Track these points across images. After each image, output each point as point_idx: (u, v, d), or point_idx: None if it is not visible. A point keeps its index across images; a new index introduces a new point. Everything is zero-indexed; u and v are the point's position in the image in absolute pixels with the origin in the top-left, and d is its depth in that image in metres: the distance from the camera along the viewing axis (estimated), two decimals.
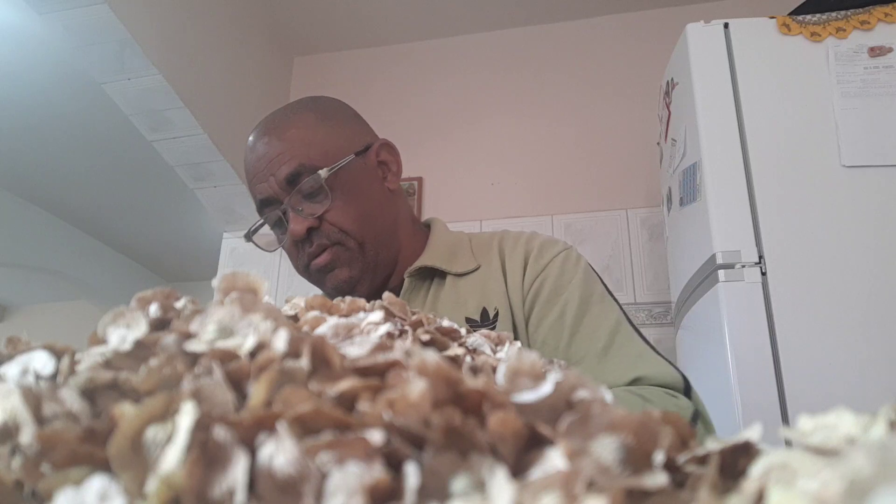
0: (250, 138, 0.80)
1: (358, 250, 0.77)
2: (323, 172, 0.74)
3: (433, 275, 0.80)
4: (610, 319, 0.71)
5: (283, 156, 0.75)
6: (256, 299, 0.23)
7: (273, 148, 0.76)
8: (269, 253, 0.85)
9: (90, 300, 4.01)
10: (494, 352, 0.32)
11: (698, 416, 0.63)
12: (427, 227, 0.89)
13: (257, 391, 0.18)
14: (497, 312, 0.74)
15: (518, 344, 0.34)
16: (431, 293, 0.79)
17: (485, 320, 0.74)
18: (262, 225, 0.81)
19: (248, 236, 0.82)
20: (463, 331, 0.33)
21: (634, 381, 0.65)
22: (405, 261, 0.82)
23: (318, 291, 0.87)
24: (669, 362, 0.69)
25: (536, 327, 0.73)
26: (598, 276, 0.79)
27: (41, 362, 0.22)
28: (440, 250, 0.81)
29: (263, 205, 0.78)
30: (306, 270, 0.79)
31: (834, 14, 1.43)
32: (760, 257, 1.28)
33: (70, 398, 0.19)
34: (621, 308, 0.75)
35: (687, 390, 0.66)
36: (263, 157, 0.76)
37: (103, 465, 0.16)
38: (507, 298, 0.75)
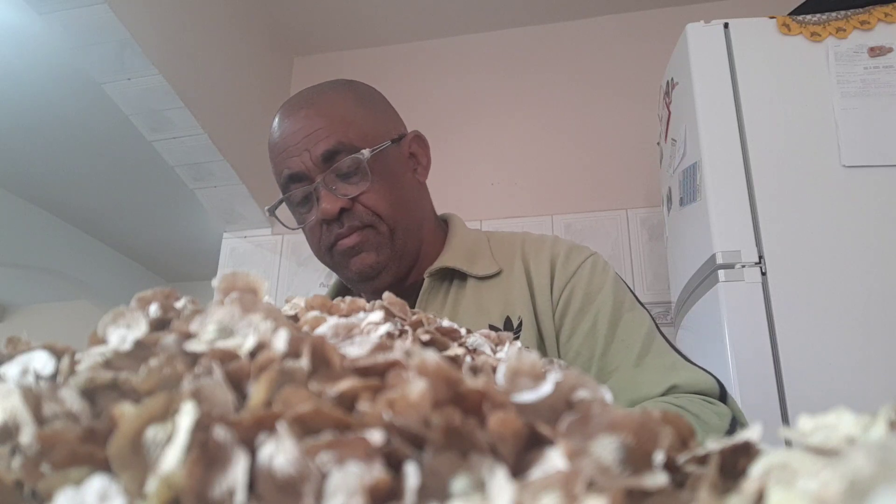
0: (279, 114, 0.77)
1: (388, 236, 0.75)
2: (366, 153, 0.72)
3: (453, 276, 0.78)
4: (643, 328, 0.70)
5: (321, 131, 0.73)
6: (256, 299, 0.23)
7: (311, 122, 0.73)
8: (288, 229, 0.82)
9: (90, 300, 4.01)
10: (494, 352, 0.32)
11: (737, 422, 0.62)
12: (444, 222, 0.87)
13: (257, 391, 0.18)
14: (521, 322, 0.73)
15: (518, 344, 0.34)
16: (452, 295, 0.77)
17: (508, 329, 0.73)
18: (284, 202, 0.79)
19: (272, 210, 0.79)
20: (463, 331, 0.33)
21: (670, 390, 0.64)
22: (425, 257, 0.80)
23: (321, 290, 0.87)
24: (703, 369, 0.68)
25: (569, 338, 0.71)
26: (624, 282, 0.77)
27: (41, 362, 0.22)
28: (460, 250, 0.79)
29: (292, 180, 0.75)
30: (329, 251, 0.76)
31: (834, 14, 1.43)
32: (760, 257, 1.28)
33: (70, 398, 0.19)
34: (651, 316, 0.74)
35: (723, 396, 0.65)
36: (299, 131, 0.74)
37: (103, 465, 0.16)
38: (532, 307, 0.74)
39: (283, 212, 0.80)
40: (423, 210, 0.81)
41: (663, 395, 0.64)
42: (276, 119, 0.77)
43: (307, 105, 0.75)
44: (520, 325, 0.73)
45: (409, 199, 0.78)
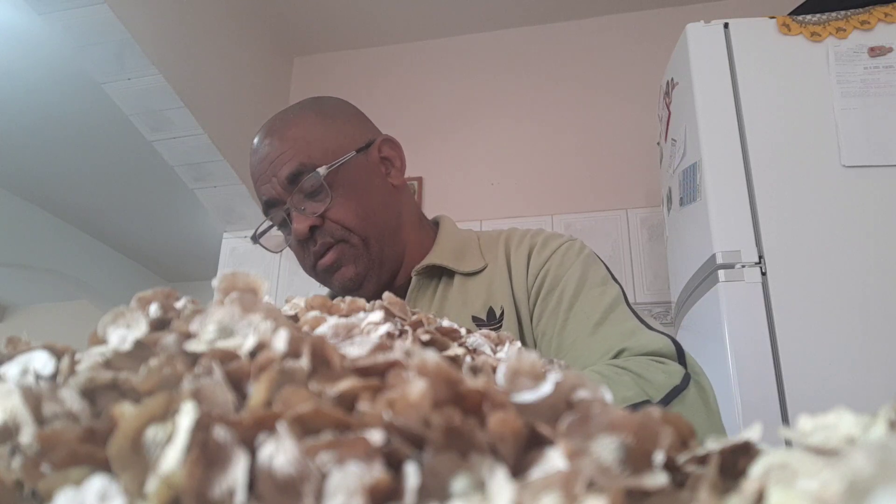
0: (254, 141, 0.80)
1: (362, 247, 0.76)
2: (322, 170, 0.74)
3: (441, 273, 0.80)
4: (605, 300, 0.70)
5: (284, 156, 0.75)
6: (256, 299, 0.23)
7: (274, 149, 0.76)
8: (274, 253, 0.85)
9: (90, 300, 4.01)
10: (494, 352, 0.32)
11: (689, 379, 0.60)
12: (436, 224, 0.89)
13: (257, 391, 0.18)
14: (503, 311, 0.74)
15: (518, 344, 0.34)
16: (439, 292, 0.79)
17: (491, 319, 0.74)
18: (269, 227, 0.82)
19: (255, 238, 0.82)
20: (463, 331, 0.33)
21: (619, 354, 0.63)
22: (412, 258, 0.81)
23: (321, 291, 0.87)
24: (666, 334, 0.66)
25: (538, 321, 0.73)
26: (603, 263, 0.77)
27: (41, 362, 0.22)
28: (448, 248, 0.81)
29: (268, 206, 0.78)
30: (313, 270, 0.79)
31: (834, 14, 1.43)
32: (760, 257, 1.28)
33: (70, 398, 0.19)
34: (623, 291, 0.73)
35: (680, 357, 0.63)
36: (265, 159, 0.77)
37: (103, 465, 0.16)
38: (512, 295, 0.75)
39: (268, 238, 0.83)
40: (398, 213, 0.82)
41: (613, 358, 0.63)
42: (252, 146, 0.80)
43: (271, 132, 0.78)
44: (501, 314, 0.74)
45: (378, 206, 0.79)
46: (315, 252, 0.76)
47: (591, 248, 0.80)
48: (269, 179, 0.76)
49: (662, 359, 0.62)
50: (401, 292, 0.79)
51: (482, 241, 0.83)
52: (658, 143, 1.82)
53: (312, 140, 0.77)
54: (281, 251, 0.83)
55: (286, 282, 2.30)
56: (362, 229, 0.76)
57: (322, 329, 0.26)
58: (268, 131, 0.79)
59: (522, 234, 0.81)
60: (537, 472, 0.16)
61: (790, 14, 1.47)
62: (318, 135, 0.78)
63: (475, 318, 0.74)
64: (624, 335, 0.65)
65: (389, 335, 0.28)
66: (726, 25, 1.48)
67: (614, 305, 0.70)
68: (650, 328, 0.67)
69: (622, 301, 0.71)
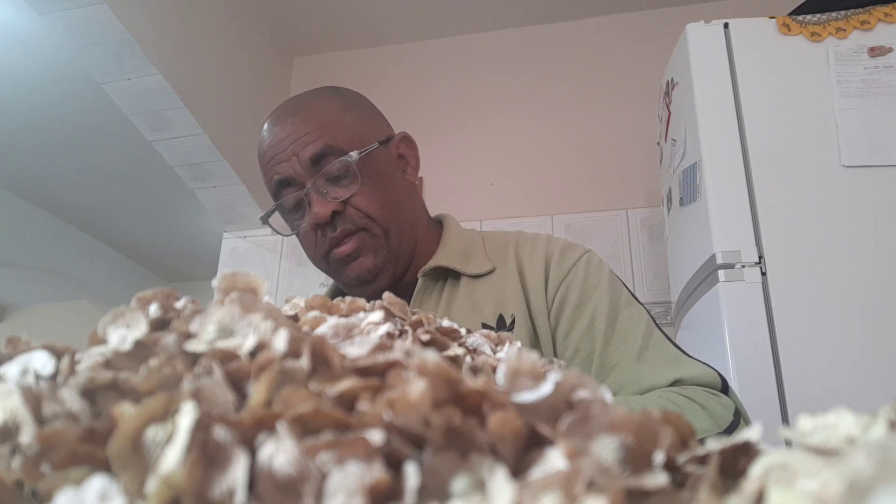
0: (266, 123, 0.78)
1: (383, 237, 0.75)
2: (354, 155, 0.72)
3: (447, 275, 0.78)
4: (641, 323, 0.70)
5: (309, 135, 0.73)
6: (256, 299, 0.23)
7: (298, 128, 0.74)
8: (282, 236, 0.82)
9: (90, 300, 4.01)
10: (494, 352, 0.32)
11: (740, 414, 0.62)
12: (438, 222, 0.87)
13: (257, 391, 0.18)
14: (514, 319, 0.73)
15: (518, 344, 0.34)
16: (446, 294, 0.77)
17: (501, 327, 0.73)
18: (273, 209, 0.79)
19: (265, 219, 0.79)
20: (463, 331, 0.33)
21: (675, 383, 0.64)
22: (420, 257, 0.80)
23: (321, 291, 0.87)
24: (703, 362, 0.68)
25: (567, 335, 0.71)
26: (620, 279, 0.77)
27: (41, 362, 0.22)
28: (454, 250, 0.80)
29: (282, 185, 0.75)
30: (325, 258, 0.76)
31: (834, 14, 1.43)
32: (760, 257, 1.28)
33: (70, 398, 0.19)
34: (648, 311, 0.74)
35: (724, 388, 0.65)
36: (287, 137, 0.74)
37: (103, 465, 0.16)
38: (526, 304, 0.74)
39: (277, 219, 0.80)
40: (415, 210, 0.81)
41: (669, 386, 0.64)
42: (264, 128, 0.78)
43: (293, 112, 0.76)
44: (512, 322, 0.73)
45: (400, 200, 0.78)
46: (333, 238, 0.74)
47: (593, 250, 0.80)
48: (288, 158, 0.73)
49: (715, 391, 0.64)
50: (406, 292, 0.78)
51: (487, 243, 0.81)
52: (658, 143, 1.82)
53: (339, 124, 0.75)
54: (290, 234, 0.80)
55: (286, 282, 2.30)
56: (385, 220, 0.75)
57: (322, 329, 0.26)
58: (287, 111, 0.76)
59: (533, 240, 0.80)
60: (537, 472, 0.16)
61: (790, 14, 1.47)
62: (343, 120, 0.76)
63: (485, 325, 0.73)
64: (669, 362, 0.67)
65: (389, 335, 0.28)
66: (726, 25, 1.48)
67: (650, 329, 0.70)
68: (687, 354, 0.69)
69: (653, 324, 0.72)
